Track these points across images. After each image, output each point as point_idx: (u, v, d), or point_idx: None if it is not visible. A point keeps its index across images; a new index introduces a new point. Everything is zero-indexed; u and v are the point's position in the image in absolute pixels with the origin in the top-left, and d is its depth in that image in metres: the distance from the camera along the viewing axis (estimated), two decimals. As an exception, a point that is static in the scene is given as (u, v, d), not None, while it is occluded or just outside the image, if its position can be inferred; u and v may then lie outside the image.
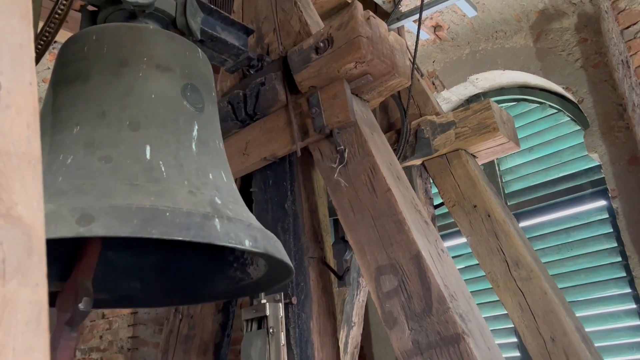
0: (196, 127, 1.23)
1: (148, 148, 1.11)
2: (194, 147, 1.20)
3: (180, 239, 0.94)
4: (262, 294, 1.65)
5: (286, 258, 1.20)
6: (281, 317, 1.63)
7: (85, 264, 1.18)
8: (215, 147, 1.29)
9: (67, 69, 1.23)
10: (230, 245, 1.01)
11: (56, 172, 1.02)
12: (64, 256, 1.43)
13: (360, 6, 1.68)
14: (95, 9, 1.48)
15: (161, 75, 1.23)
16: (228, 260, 1.45)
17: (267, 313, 1.62)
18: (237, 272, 1.44)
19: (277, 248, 1.17)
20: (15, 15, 0.56)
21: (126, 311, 4.29)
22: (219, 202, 1.11)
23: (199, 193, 1.09)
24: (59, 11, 1.60)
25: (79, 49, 1.23)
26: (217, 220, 1.01)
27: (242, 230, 1.06)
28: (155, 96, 1.19)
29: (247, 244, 1.05)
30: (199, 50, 1.37)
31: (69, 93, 1.19)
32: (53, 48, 3.54)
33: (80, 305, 1.09)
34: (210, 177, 1.18)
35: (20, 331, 0.38)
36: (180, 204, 1.00)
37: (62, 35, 1.71)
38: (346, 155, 1.65)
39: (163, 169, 1.09)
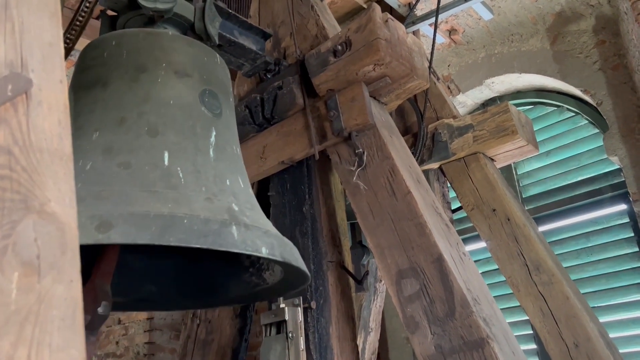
0: (214, 132, 1.23)
1: (166, 154, 1.12)
2: (211, 153, 1.20)
3: (197, 246, 0.94)
4: (281, 299, 1.64)
5: (302, 265, 1.19)
6: (300, 322, 1.62)
7: (104, 268, 1.18)
8: (232, 152, 1.29)
9: (87, 74, 1.24)
10: (247, 252, 1.01)
11: (75, 178, 1.03)
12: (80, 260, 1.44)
13: (378, 8, 1.67)
14: (114, 14, 1.49)
15: (179, 81, 1.23)
16: (244, 266, 1.45)
17: (286, 317, 1.61)
18: (252, 277, 1.44)
19: (293, 255, 1.17)
20: (45, 14, 0.56)
21: (142, 317, 4.30)
22: (236, 208, 1.11)
23: (216, 200, 1.09)
24: (80, 18, 1.62)
25: (99, 54, 1.24)
26: (234, 227, 1.01)
27: (259, 237, 1.06)
28: (173, 102, 1.20)
29: (264, 252, 1.05)
30: (217, 55, 1.38)
31: (88, 99, 1.19)
32: (71, 55, 3.58)
33: (99, 309, 1.09)
34: (228, 183, 1.18)
35: (56, 328, 0.38)
36: (197, 211, 1.00)
37: (81, 44, 1.73)
38: (365, 158, 1.64)
39: (181, 176, 1.09)
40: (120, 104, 1.17)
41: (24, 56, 0.51)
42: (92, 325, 1.09)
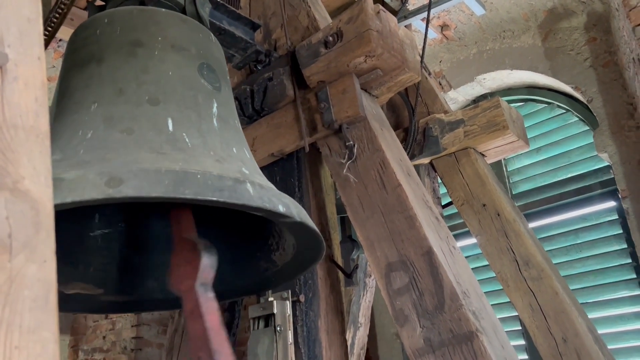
0: (215, 104, 1.21)
1: (170, 121, 1.09)
2: (215, 122, 1.17)
3: (214, 199, 0.89)
4: (269, 292, 1.63)
5: (317, 230, 1.15)
6: (289, 315, 1.61)
7: (186, 225, 1.08)
8: (235, 126, 1.26)
9: (79, 53, 1.21)
10: (265, 208, 0.96)
11: (77, 146, 1.00)
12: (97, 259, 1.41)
13: (370, 0, 1.65)
14: (102, 3, 1.47)
15: (177, 54, 1.21)
16: (251, 251, 1.41)
17: (275, 311, 1.60)
18: (261, 261, 1.40)
19: (308, 217, 1.13)
20: (23, -12, 0.53)
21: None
22: (247, 172, 1.08)
23: (225, 162, 1.06)
24: (62, 6, 1.58)
25: (91, 33, 1.22)
26: (249, 184, 0.97)
27: (274, 196, 1.02)
28: (172, 73, 1.17)
29: (281, 209, 1.00)
30: (211, 34, 1.35)
31: (83, 75, 1.17)
32: (59, 46, 3.54)
33: (205, 252, 0.99)
34: (235, 151, 1.16)
35: (27, 308, 0.36)
36: (209, 169, 0.96)
37: (66, 34, 1.70)
38: (355, 151, 1.63)
39: (187, 140, 1.06)
40: (117, 77, 1.14)
41: (0, 30, 0.49)
42: (204, 276, 0.98)
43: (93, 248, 1.44)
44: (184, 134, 1.07)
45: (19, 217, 0.38)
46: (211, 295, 0.98)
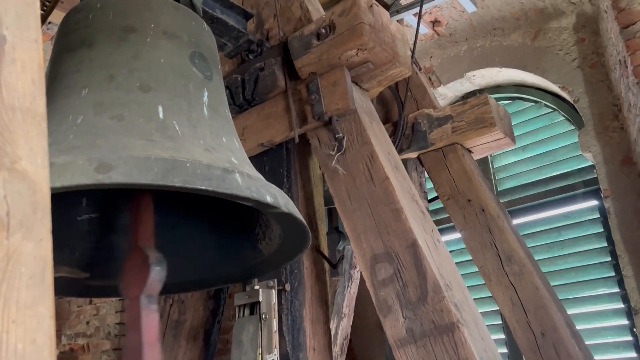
0: (206, 93, 1.22)
1: (160, 108, 1.09)
2: (205, 111, 1.18)
3: (203, 187, 0.90)
4: (255, 280, 1.64)
5: (303, 221, 1.17)
6: (274, 304, 1.62)
7: (143, 232, 1.12)
8: (225, 115, 1.27)
9: (70, 37, 1.20)
10: (252, 198, 0.98)
11: (67, 131, 1.00)
12: (82, 244, 1.41)
13: (363, -7, 1.66)
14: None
15: (169, 42, 1.21)
16: (238, 240, 1.43)
17: (260, 299, 1.61)
18: (248, 250, 1.42)
19: (295, 208, 1.14)
20: (21, -29, 0.54)
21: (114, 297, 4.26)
22: (236, 162, 1.09)
23: (214, 152, 1.07)
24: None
25: (83, 17, 1.21)
26: (237, 174, 0.99)
27: (262, 186, 1.04)
28: (164, 61, 1.18)
29: (269, 199, 1.02)
30: (204, 22, 1.36)
31: (73, 60, 1.16)
32: (48, 29, 3.50)
33: (155, 267, 1.02)
34: (224, 140, 1.16)
35: (24, 285, 0.37)
36: (199, 158, 0.98)
37: (58, 17, 1.68)
38: (344, 143, 1.64)
39: (177, 128, 1.07)
40: (109, 63, 1.14)
41: (-2, 13, 0.50)
42: (151, 287, 1.02)
43: (79, 232, 1.44)
44: (174, 122, 1.08)
45: (16, 197, 0.39)
46: (154, 307, 1.02)
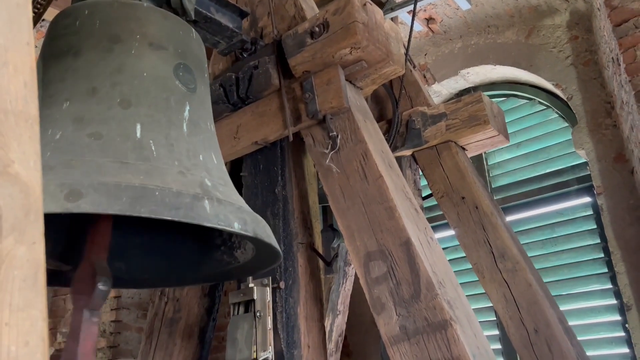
0: (188, 107, 1.22)
1: (139, 126, 1.10)
2: (184, 127, 1.19)
3: (169, 218, 0.93)
4: (250, 278, 1.65)
5: (274, 242, 1.19)
6: (268, 302, 1.63)
7: (98, 244, 1.14)
8: (206, 128, 1.27)
9: (58, 43, 1.20)
10: (219, 227, 1.01)
11: (44, 147, 1.01)
12: (64, 238, 1.42)
13: (356, -8, 1.66)
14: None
15: (154, 53, 1.21)
16: (215, 244, 1.45)
17: (255, 297, 1.62)
18: (224, 255, 1.44)
19: (265, 232, 1.17)
20: (13, -27, 0.54)
21: (109, 295, 4.25)
22: (209, 183, 1.10)
23: (189, 174, 1.08)
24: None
25: (71, 23, 1.21)
26: (206, 201, 1.00)
27: (231, 212, 1.05)
28: (147, 74, 1.18)
29: (237, 227, 1.04)
30: (193, 30, 1.36)
31: (59, 67, 1.17)
32: (41, 26, 3.48)
33: (100, 285, 1.06)
34: (201, 158, 1.17)
35: (17, 288, 0.38)
36: (170, 184, 0.99)
37: (51, 14, 1.68)
38: (338, 142, 1.65)
39: (153, 148, 1.08)
40: (92, 74, 1.14)
41: (-11, 15, 0.50)
42: (93, 303, 1.06)
43: (62, 226, 1.44)
44: (151, 141, 1.09)
45: (8, 200, 0.39)
46: (95, 320, 1.06)
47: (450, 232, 3.69)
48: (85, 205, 0.85)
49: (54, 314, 4.44)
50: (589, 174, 3.46)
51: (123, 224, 1.47)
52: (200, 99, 1.29)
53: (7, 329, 0.36)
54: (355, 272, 2.30)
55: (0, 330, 0.35)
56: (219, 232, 1.43)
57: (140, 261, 1.49)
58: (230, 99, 1.91)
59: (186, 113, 1.21)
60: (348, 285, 2.80)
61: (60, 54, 1.17)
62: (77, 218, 1.46)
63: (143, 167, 1.02)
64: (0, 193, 0.39)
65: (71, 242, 1.44)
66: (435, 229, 3.91)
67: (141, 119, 1.11)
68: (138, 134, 1.08)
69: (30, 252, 0.39)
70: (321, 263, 1.86)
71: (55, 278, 1.42)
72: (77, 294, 1.08)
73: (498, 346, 3.64)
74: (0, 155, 0.41)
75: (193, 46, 1.33)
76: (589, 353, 2.13)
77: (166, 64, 1.22)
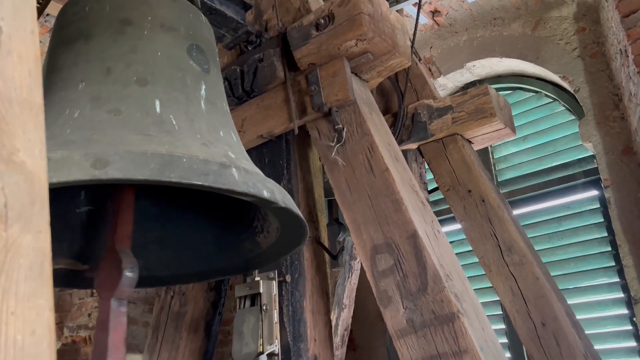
0: (204, 86, 1.22)
1: (157, 102, 1.09)
2: (202, 105, 1.18)
3: (199, 183, 0.91)
4: (256, 272, 1.65)
5: (301, 215, 1.17)
6: (274, 295, 1.63)
7: (120, 233, 1.13)
8: (222, 108, 1.27)
9: (68, 30, 1.20)
10: (250, 193, 0.98)
11: (63, 125, 1.00)
12: (80, 236, 1.42)
13: (362, -17, 1.65)
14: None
15: (166, 35, 1.21)
16: (236, 232, 1.43)
17: (261, 290, 1.62)
18: (245, 242, 1.42)
19: (292, 203, 1.15)
20: (16, -39, 0.53)
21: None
22: (233, 156, 1.09)
23: (212, 146, 1.07)
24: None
25: (80, 9, 1.21)
26: (234, 169, 0.99)
27: (259, 181, 1.04)
28: (161, 54, 1.17)
29: (266, 194, 1.02)
30: (202, 14, 1.35)
31: (70, 53, 1.16)
32: (45, 21, 3.48)
33: (127, 272, 1.05)
34: (222, 134, 1.16)
35: (23, 277, 0.37)
36: (195, 153, 0.97)
37: (54, 9, 1.67)
38: (344, 134, 1.64)
39: (174, 122, 1.07)
40: (106, 56, 1.14)
41: (-6, 4, 0.49)
42: (121, 292, 1.05)
43: (78, 224, 1.44)
44: (171, 116, 1.08)
45: (14, 189, 0.39)
46: (123, 310, 1.05)
47: (457, 226, 3.68)
48: (113, 172, 0.83)
49: (60, 309, 4.46)
50: (596, 167, 3.43)
51: (140, 220, 1.47)
52: (214, 80, 1.28)
53: (14, 318, 0.35)
54: (361, 266, 2.29)
55: (7, 320, 0.35)
56: (241, 217, 1.41)
57: (158, 256, 1.49)
58: (235, 92, 1.91)
59: (202, 92, 1.20)
60: (354, 279, 2.80)
61: (71, 40, 1.17)
62: (97, 210, 1.46)
63: (166, 139, 1.01)
64: (6, 181, 0.39)
65: (88, 240, 1.44)
66: (441, 222, 3.87)
67: (159, 96, 1.10)
68: (157, 109, 1.08)
69: (36, 241, 0.38)
70: (327, 257, 1.85)
71: (71, 279, 1.41)
72: (102, 284, 1.06)
73: (505, 340, 3.63)
74: (5, 143, 0.41)
75: (203, 29, 1.33)
76: (596, 346, 2.12)
77: (179, 45, 1.22)
